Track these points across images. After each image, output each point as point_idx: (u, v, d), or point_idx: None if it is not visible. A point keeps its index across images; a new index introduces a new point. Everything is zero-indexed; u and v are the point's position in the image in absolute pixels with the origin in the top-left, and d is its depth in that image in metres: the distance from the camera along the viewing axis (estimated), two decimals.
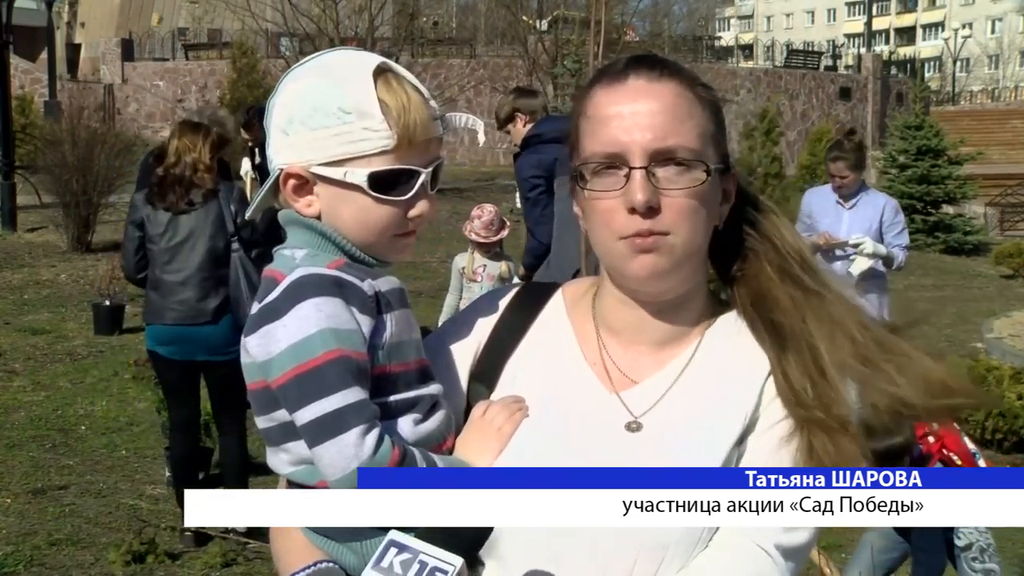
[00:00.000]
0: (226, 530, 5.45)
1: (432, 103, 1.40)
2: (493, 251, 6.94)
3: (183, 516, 5.34)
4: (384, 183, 1.36)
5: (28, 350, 9.81)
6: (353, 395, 1.29)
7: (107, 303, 10.50)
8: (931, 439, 4.26)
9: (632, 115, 1.38)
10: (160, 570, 5.11)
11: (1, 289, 12.33)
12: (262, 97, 22.62)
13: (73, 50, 37.28)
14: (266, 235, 5.22)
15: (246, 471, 5.59)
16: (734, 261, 1.50)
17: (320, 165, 1.36)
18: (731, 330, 1.48)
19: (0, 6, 16.22)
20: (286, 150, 1.38)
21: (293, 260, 1.36)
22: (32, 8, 31.40)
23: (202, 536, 5.39)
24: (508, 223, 7.14)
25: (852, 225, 6.81)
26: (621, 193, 1.37)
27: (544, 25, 29.96)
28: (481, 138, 1.56)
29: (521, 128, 6.12)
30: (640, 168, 1.36)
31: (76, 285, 12.48)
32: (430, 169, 1.39)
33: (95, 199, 14.22)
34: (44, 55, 29.35)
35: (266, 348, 1.33)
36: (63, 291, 12.38)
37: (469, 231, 6.90)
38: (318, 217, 1.39)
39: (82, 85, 27.78)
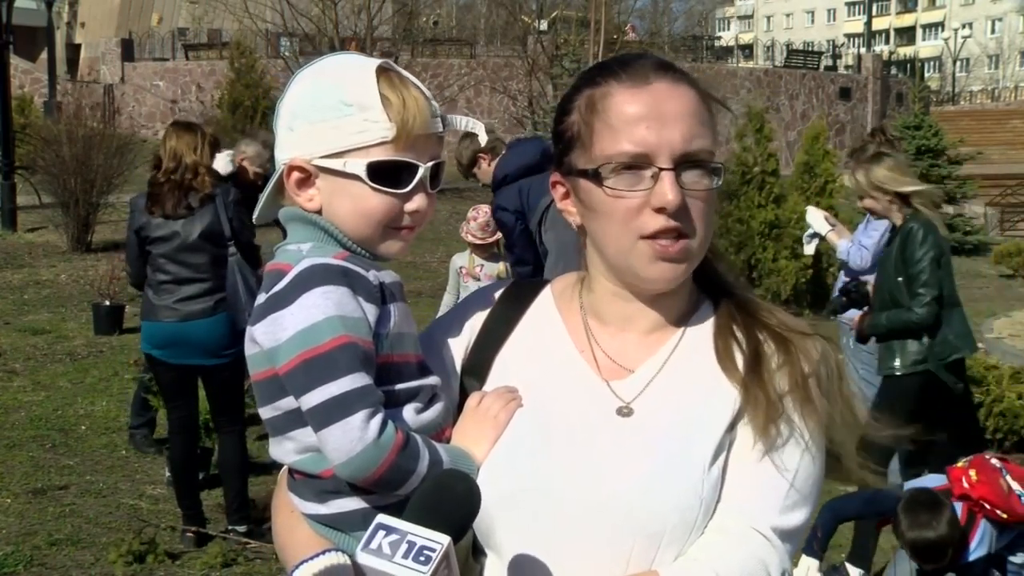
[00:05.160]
0: (226, 530, 5.46)
1: (433, 103, 1.43)
2: (490, 252, 6.93)
3: (183, 516, 5.42)
4: (383, 174, 1.39)
5: (28, 350, 9.81)
6: (359, 380, 1.32)
7: (107, 303, 10.52)
8: (965, 483, 4.18)
9: (660, 116, 1.40)
10: (160, 570, 5.11)
11: (1, 289, 12.33)
12: (260, 97, 22.74)
13: (73, 50, 37.29)
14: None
15: (246, 471, 5.59)
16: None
17: (321, 157, 1.39)
18: (715, 317, 1.52)
19: (0, 6, 16.22)
20: (290, 145, 1.41)
21: (300, 253, 1.39)
22: (32, 8, 31.41)
23: (202, 536, 5.40)
24: None
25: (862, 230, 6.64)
26: (647, 193, 1.39)
27: (543, 25, 29.95)
28: (483, 138, 1.59)
29: (488, 168, 6.06)
30: (670, 169, 1.39)
31: (76, 285, 12.49)
32: (429, 165, 1.42)
33: (94, 199, 14.23)
34: (44, 55, 29.36)
35: (273, 335, 1.35)
36: (63, 291, 12.39)
37: (465, 232, 6.90)
38: (319, 212, 1.42)
39: (82, 85, 27.75)
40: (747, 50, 49.31)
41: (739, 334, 1.47)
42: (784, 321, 1.50)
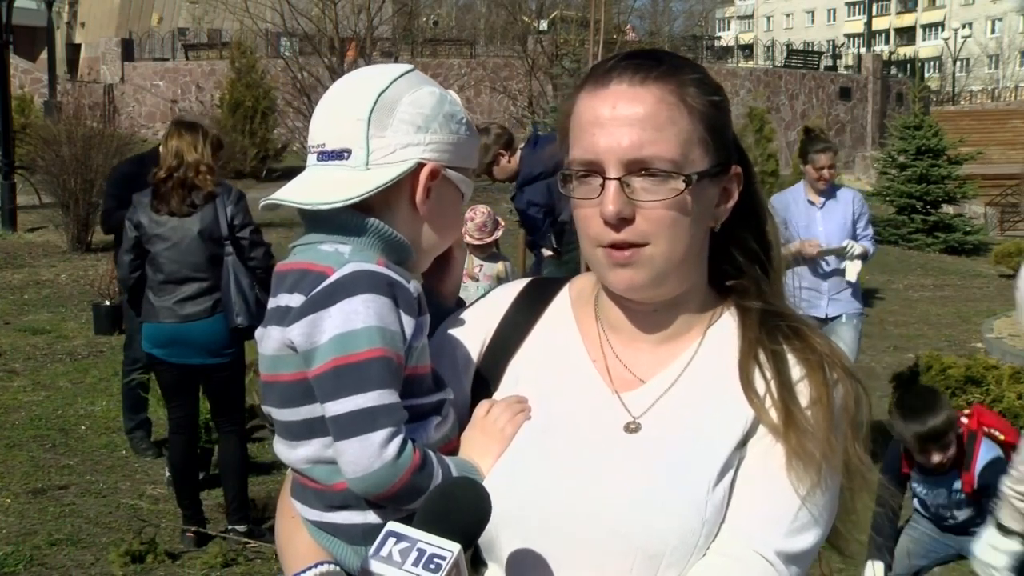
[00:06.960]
0: (226, 530, 5.47)
1: None
2: (488, 252, 6.90)
3: (183, 516, 5.42)
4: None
5: (28, 350, 9.81)
6: (388, 396, 1.30)
7: (107, 303, 10.51)
8: (965, 419, 4.20)
9: (610, 122, 1.35)
10: (160, 570, 5.12)
11: (1, 289, 12.33)
12: (261, 97, 22.72)
13: (73, 50, 37.27)
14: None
15: (245, 471, 5.59)
16: (729, 262, 1.47)
17: (449, 168, 1.44)
18: (736, 328, 1.44)
19: (0, 6, 16.22)
20: (421, 147, 1.41)
21: (340, 256, 1.36)
22: (32, 8, 31.41)
23: (202, 536, 5.40)
24: (502, 223, 7.09)
25: (827, 225, 6.73)
26: (597, 202, 1.35)
27: (543, 25, 29.98)
28: None
29: (508, 164, 6.09)
30: (613, 179, 1.34)
31: (76, 285, 12.49)
32: None
33: (94, 199, 14.21)
34: (44, 55, 29.35)
35: (311, 337, 1.32)
36: (63, 291, 12.39)
37: (463, 233, 6.85)
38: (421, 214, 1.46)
39: (82, 85, 27.75)
40: (747, 50, 49.27)
41: (761, 346, 1.39)
42: (823, 345, 1.40)
